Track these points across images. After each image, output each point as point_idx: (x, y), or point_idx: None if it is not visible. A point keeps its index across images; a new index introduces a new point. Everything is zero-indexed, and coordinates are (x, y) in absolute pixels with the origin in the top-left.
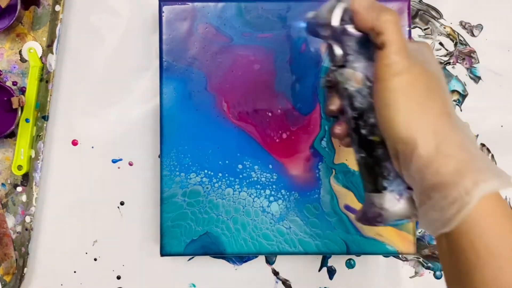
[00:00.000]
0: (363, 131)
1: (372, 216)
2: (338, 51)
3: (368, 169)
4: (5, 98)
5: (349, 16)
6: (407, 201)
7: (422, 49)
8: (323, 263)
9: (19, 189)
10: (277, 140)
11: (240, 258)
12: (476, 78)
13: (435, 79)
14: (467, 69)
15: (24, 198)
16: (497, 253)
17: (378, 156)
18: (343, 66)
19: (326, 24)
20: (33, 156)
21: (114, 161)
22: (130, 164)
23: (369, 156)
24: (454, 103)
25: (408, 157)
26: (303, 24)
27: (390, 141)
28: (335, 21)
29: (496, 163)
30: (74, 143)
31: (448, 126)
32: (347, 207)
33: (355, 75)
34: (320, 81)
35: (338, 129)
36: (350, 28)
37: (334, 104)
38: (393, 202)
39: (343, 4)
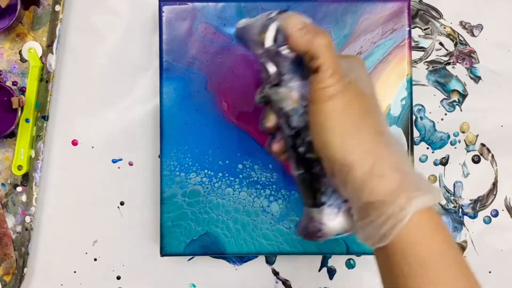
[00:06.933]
0: (301, 149)
1: (313, 231)
2: (271, 69)
3: (306, 185)
4: (5, 98)
5: (283, 37)
6: (346, 215)
7: (354, 65)
8: (323, 263)
9: (19, 189)
10: None
11: (240, 258)
12: (476, 78)
13: (368, 99)
14: (467, 69)
15: (24, 198)
16: (427, 263)
17: (316, 173)
18: (277, 85)
19: (259, 43)
20: (33, 156)
21: (114, 161)
22: (130, 164)
23: (307, 172)
24: (454, 103)
25: (344, 177)
26: (233, 31)
27: (326, 161)
28: (268, 42)
29: (496, 163)
30: (74, 143)
31: (382, 146)
32: None
33: (290, 94)
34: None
35: (276, 146)
36: (284, 50)
37: (271, 121)
38: (332, 216)
39: (275, 25)
